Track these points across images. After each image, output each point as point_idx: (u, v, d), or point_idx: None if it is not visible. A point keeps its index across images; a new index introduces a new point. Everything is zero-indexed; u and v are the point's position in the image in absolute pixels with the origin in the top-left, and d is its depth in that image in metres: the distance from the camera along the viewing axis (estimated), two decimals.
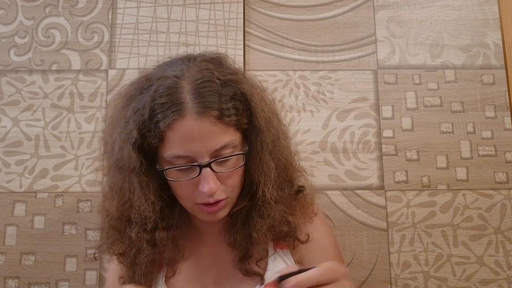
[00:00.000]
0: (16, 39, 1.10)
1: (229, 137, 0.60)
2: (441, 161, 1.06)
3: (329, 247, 0.75)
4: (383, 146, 1.07)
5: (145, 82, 0.63)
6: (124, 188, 0.64)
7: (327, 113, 1.08)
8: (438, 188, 1.05)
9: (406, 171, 1.05)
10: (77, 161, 1.05)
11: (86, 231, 1.02)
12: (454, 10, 1.13)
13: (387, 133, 1.07)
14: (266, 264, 0.68)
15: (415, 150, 1.07)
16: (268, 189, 0.64)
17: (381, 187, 1.05)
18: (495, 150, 1.06)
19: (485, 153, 1.06)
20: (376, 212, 1.04)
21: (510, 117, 1.07)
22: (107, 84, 1.08)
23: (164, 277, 0.69)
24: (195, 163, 0.59)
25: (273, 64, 1.11)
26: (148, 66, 0.71)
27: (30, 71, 1.08)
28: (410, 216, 1.03)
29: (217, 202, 0.62)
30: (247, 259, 0.67)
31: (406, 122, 1.08)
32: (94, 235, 1.02)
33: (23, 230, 1.02)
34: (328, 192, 1.04)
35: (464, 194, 1.04)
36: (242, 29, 1.11)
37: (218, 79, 0.61)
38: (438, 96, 1.09)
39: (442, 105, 1.09)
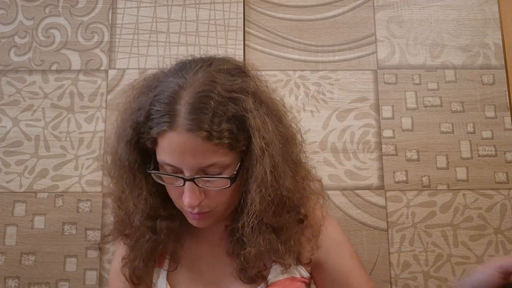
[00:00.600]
0: (16, 39, 1.10)
1: (218, 157, 0.59)
2: (441, 161, 1.06)
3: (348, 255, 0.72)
4: (383, 146, 1.07)
5: (154, 81, 0.64)
6: (120, 180, 0.66)
7: (327, 113, 1.08)
8: (438, 188, 1.05)
9: (406, 171, 1.05)
10: (77, 161, 1.05)
11: (86, 231, 1.02)
12: (454, 10, 1.13)
13: (387, 133, 1.07)
14: (268, 273, 0.68)
15: (415, 150, 1.06)
16: (249, 221, 0.61)
17: (381, 187, 1.05)
18: (495, 150, 1.06)
19: (485, 153, 1.06)
20: (376, 212, 1.04)
21: (510, 117, 1.07)
22: (107, 84, 1.08)
23: (165, 272, 0.70)
24: (180, 175, 0.60)
25: (273, 64, 1.11)
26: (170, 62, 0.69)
27: (30, 71, 1.08)
28: (410, 216, 1.03)
29: (200, 212, 0.62)
30: (246, 270, 0.67)
31: (406, 122, 1.08)
32: (94, 235, 1.02)
33: (23, 230, 1.02)
34: (328, 192, 1.04)
35: (464, 194, 1.04)
36: (242, 29, 1.11)
37: (221, 95, 0.58)
38: (438, 96, 1.09)
39: (442, 105, 1.08)
